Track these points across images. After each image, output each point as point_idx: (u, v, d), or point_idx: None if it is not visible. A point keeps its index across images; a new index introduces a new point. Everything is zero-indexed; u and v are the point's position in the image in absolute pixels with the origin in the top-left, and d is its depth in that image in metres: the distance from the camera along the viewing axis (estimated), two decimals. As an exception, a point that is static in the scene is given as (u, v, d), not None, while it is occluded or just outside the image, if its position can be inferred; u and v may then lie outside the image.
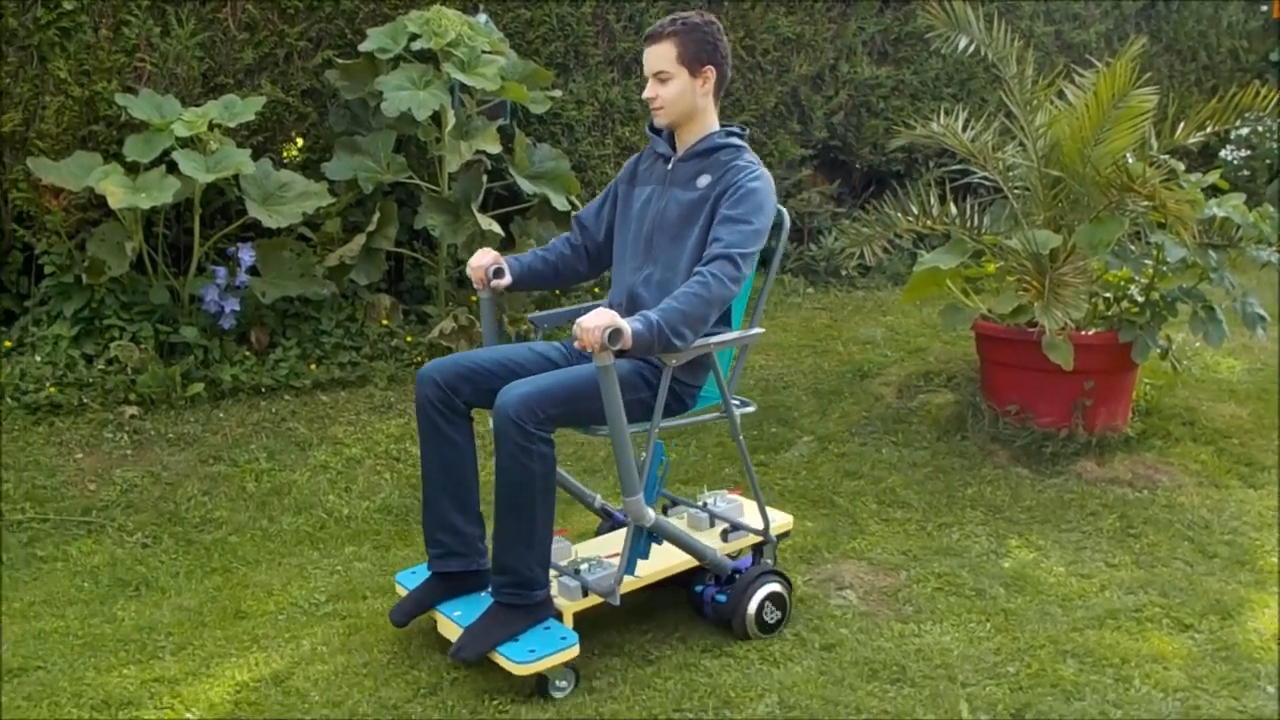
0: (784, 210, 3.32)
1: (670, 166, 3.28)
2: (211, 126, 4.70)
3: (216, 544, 3.98)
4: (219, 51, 5.09)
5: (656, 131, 3.35)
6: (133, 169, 4.66)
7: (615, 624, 3.37)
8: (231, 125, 4.76)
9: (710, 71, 3.21)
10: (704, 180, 3.20)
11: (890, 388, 5.23)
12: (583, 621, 3.20)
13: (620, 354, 2.86)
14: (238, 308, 4.81)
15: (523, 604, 3.05)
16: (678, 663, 3.18)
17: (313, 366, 4.97)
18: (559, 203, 5.27)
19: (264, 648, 3.29)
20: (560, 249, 3.50)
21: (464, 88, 5.19)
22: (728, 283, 3.02)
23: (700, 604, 3.39)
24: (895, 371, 5.40)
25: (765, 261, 3.36)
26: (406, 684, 3.07)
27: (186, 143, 4.66)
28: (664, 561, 3.31)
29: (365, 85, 5.10)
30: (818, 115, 6.76)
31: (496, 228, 5.05)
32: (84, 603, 3.56)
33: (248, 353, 4.95)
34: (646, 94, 3.24)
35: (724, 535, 3.51)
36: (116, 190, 4.49)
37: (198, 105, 4.84)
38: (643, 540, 3.14)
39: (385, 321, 5.23)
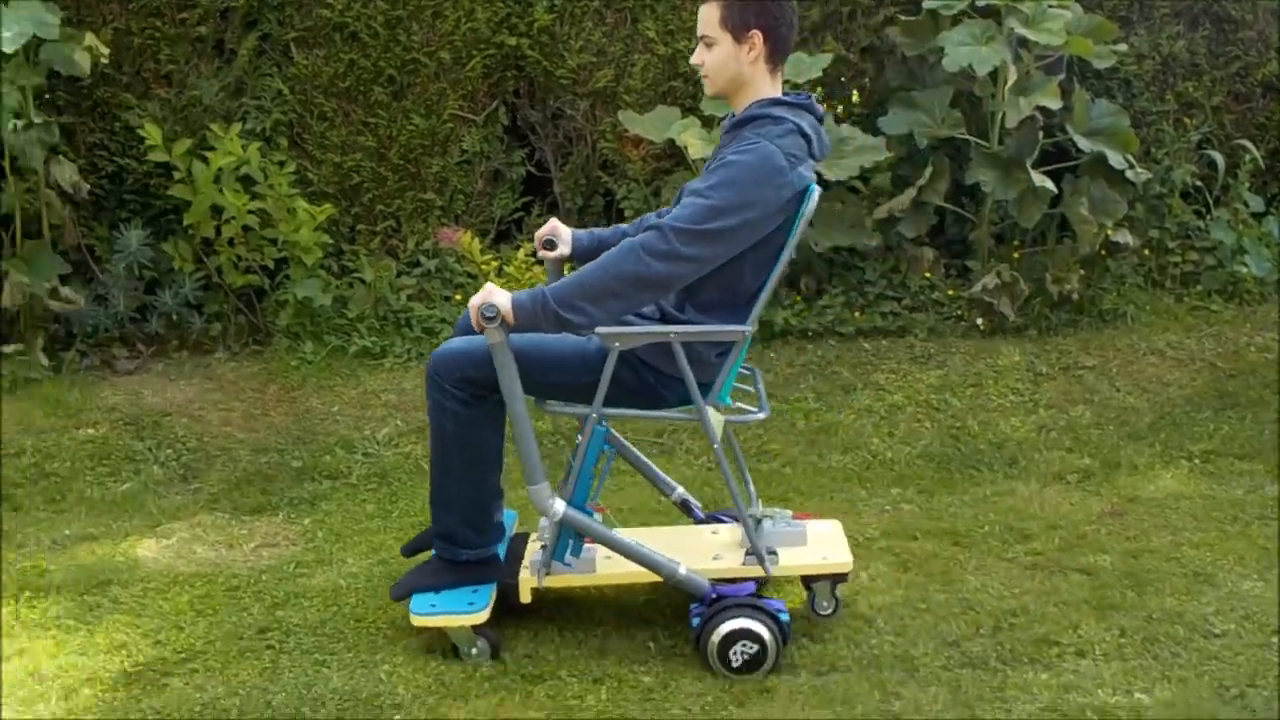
0: (812, 187, 2.92)
1: (720, 140, 3.01)
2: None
3: (773, 473, 4.28)
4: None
5: None
6: (708, 122, 5.04)
7: (1175, 591, 3.32)
8: (800, 81, 5.02)
9: (756, 37, 2.87)
10: None
11: None
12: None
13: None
14: (794, 255, 5.08)
15: (448, 559, 3.07)
16: (1245, 641, 3.09)
17: (856, 314, 5.17)
18: (1116, 161, 5.12)
19: (825, 573, 3.53)
20: (649, 220, 3.24)
21: (1023, 42, 5.15)
22: (647, 257, 2.74)
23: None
24: None
25: (777, 246, 2.94)
26: (966, 623, 3.20)
27: (757, 98, 4.97)
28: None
29: (926, 41, 5.19)
30: None
31: (1050, 185, 4.99)
32: (663, 514, 3.94)
33: (798, 298, 5.23)
34: (693, 60, 2.98)
35: (745, 557, 3.14)
36: (695, 141, 4.88)
37: (767, 62, 5.13)
38: (568, 534, 2.99)
39: (927, 274, 5.33)
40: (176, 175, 4.84)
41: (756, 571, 3.10)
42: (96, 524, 3.85)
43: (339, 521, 3.91)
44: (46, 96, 4.85)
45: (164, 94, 5.03)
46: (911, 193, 5.19)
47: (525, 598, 3.10)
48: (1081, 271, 5.24)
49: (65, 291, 4.73)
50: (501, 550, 3.21)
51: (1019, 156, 5.09)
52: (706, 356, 2.97)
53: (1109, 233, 5.24)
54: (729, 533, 3.35)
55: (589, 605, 3.31)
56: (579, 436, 3.07)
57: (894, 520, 3.90)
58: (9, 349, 4.69)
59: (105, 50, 4.75)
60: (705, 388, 2.97)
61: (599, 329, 2.82)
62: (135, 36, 4.98)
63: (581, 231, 3.34)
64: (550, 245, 3.32)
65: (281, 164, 4.92)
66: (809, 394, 4.75)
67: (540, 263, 3.36)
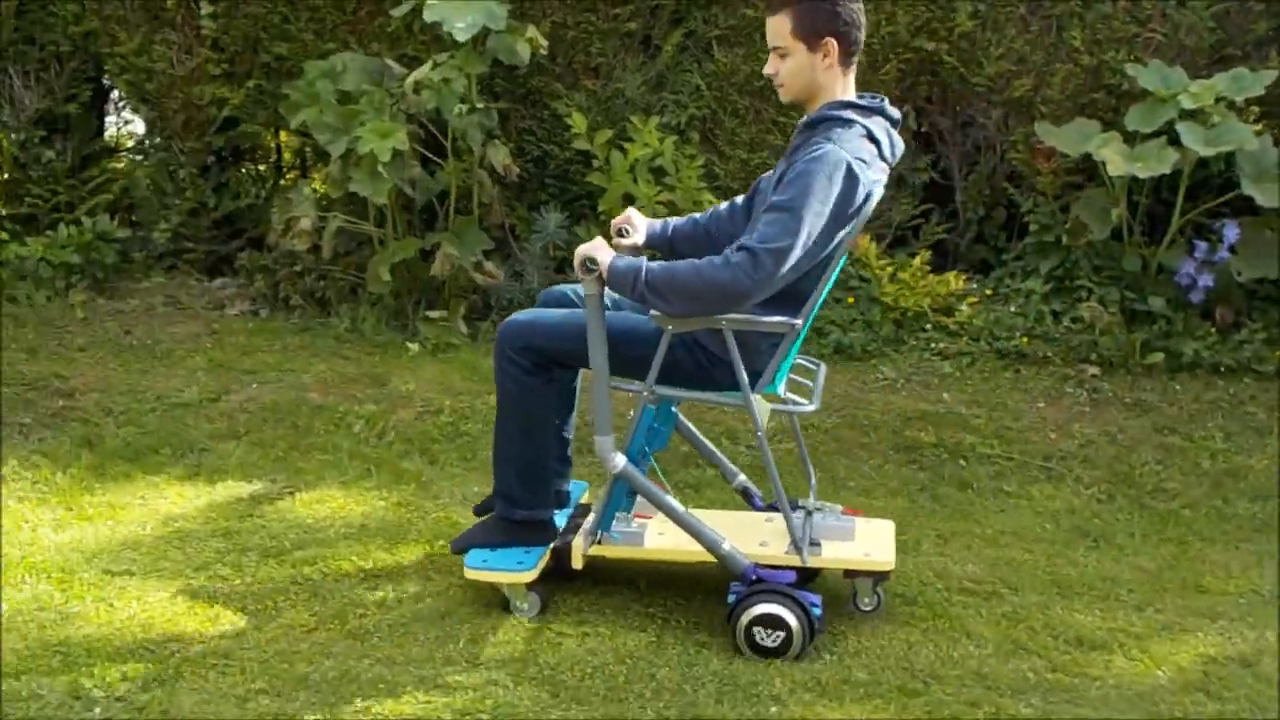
0: (870, 187, 2.93)
1: (791, 140, 3.06)
2: (1217, 99, 4.68)
3: (1170, 514, 4.05)
4: (1231, 23, 5.03)
5: None
6: (1130, 138, 4.81)
7: None
8: (1237, 99, 4.71)
9: (831, 44, 2.93)
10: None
11: None
12: None
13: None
14: (1211, 284, 4.78)
15: (505, 517, 3.21)
16: None
17: (1278, 353, 4.79)
18: None
19: (1225, 627, 3.31)
20: (720, 212, 3.35)
21: None
22: (741, 275, 2.83)
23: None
24: None
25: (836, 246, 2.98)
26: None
27: (1189, 115, 4.70)
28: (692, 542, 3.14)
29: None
30: None
31: None
32: (1048, 542, 3.82)
33: (1210, 329, 4.91)
34: (766, 70, 3.04)
35: (789, 546, 3.17)
36: (1115, 158, 4.67)
37: (1204, 77, 4.84)
38: (621, 491, 3.15)
39: (1365, 316, 4.88)
40: (595, 163, 5.11)
41: (797, 560, 3.14)
42: (501, 484, 4.13)
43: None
44: (487, 83, 5.24)
45: (591, 85, 5.31)
46: (1357, 225, 4.76)
47: (577, 563, 3.21)
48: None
49: (488, 265, 5.10)
50: (563, 518, 3.38)
51: None
52: (759, 345, 3.04)
53: None
54: (782, 522, 3.34)
55: (968, 622, 3.25)
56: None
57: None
58: (434, 314, 5.11)
59: (544, 42, 5.06)
60: (755, 375, 3.05)
61: (653, 312, 2.98)
62: (570, 30, 5.29)
63: (655, 221, 3.40)
64: (623, 233, 3.34)
65: (692, 157, 5.10)
66: (1216, 433, 4.45)
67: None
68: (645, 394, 3.09)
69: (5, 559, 3.39)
